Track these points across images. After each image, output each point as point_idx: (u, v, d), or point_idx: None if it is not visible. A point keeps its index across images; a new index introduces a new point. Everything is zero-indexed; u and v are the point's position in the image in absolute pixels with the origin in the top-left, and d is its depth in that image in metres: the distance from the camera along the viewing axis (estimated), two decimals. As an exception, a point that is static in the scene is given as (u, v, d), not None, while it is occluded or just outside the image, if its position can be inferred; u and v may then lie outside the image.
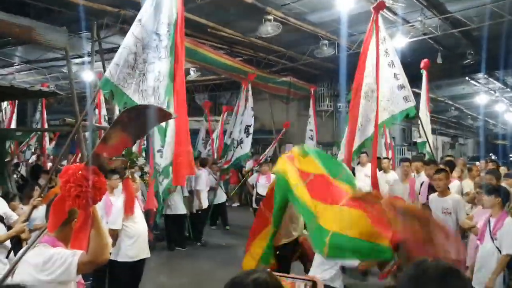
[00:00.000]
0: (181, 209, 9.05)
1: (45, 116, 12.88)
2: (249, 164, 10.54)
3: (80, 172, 2.48)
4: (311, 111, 14.00)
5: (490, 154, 28.69)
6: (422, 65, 8.79)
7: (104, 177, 2.66)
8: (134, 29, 4.42)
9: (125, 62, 4.29)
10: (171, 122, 4.67)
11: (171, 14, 4.59)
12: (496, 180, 6.20)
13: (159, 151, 5.11)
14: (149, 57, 4.44)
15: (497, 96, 20.32)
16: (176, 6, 4.64)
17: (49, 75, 16.56)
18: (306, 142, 13.42)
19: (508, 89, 19.00)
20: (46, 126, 12.87)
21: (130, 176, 5.40)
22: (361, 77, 6.27)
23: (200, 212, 9.78)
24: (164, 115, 2.94)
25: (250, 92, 11.67)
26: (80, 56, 12.88)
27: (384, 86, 6.41)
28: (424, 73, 8.77)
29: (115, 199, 5.44)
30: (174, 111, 4.40)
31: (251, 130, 11.44)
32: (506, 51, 11.73)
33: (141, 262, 5.54)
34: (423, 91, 8.85)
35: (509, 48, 11.36)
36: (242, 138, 11.29)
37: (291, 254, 5.09)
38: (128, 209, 5.28)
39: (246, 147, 11.32)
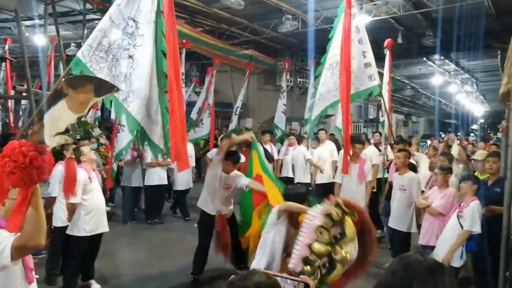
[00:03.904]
0: (138, 183, 8.86)
1: (9, 77, 11.84)
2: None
3: (22, 147, 2.23)
4: (284, 85, 13.81)
5: (441, 133, 29.79)
6: (385, 44, 8.78)
7: (51, 155, 2.40)
8: (112, 13, 4.28)
9: (98, 45, 4.17)
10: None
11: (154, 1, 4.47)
12: (449, 162, 6.46)
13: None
14: (123, 43, 4.33)
15: (451, 77, 20.95)
16: None
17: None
18: (278, 116, 13.34)
19: (461, 71, 19.58)
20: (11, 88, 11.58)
21: (72, 156, 5.20)
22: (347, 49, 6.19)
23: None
24: (108, 88, 2.85)
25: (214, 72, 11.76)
26: (31, 19, 12.17)
27: (352, 62, 6.43)
28: (387, 53, 8.79)
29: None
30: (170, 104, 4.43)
31: (211, 110, 11.62)
32: (463, 34, 12.02)
33: (99, 236, 5.41)
34: (386, 70, 8.89)
35: (464, 31, 11.62)
36: (202, 118, 11.43)
37: None
38: (68, 191, 5.09)
39: (206, 127, 11.49)
